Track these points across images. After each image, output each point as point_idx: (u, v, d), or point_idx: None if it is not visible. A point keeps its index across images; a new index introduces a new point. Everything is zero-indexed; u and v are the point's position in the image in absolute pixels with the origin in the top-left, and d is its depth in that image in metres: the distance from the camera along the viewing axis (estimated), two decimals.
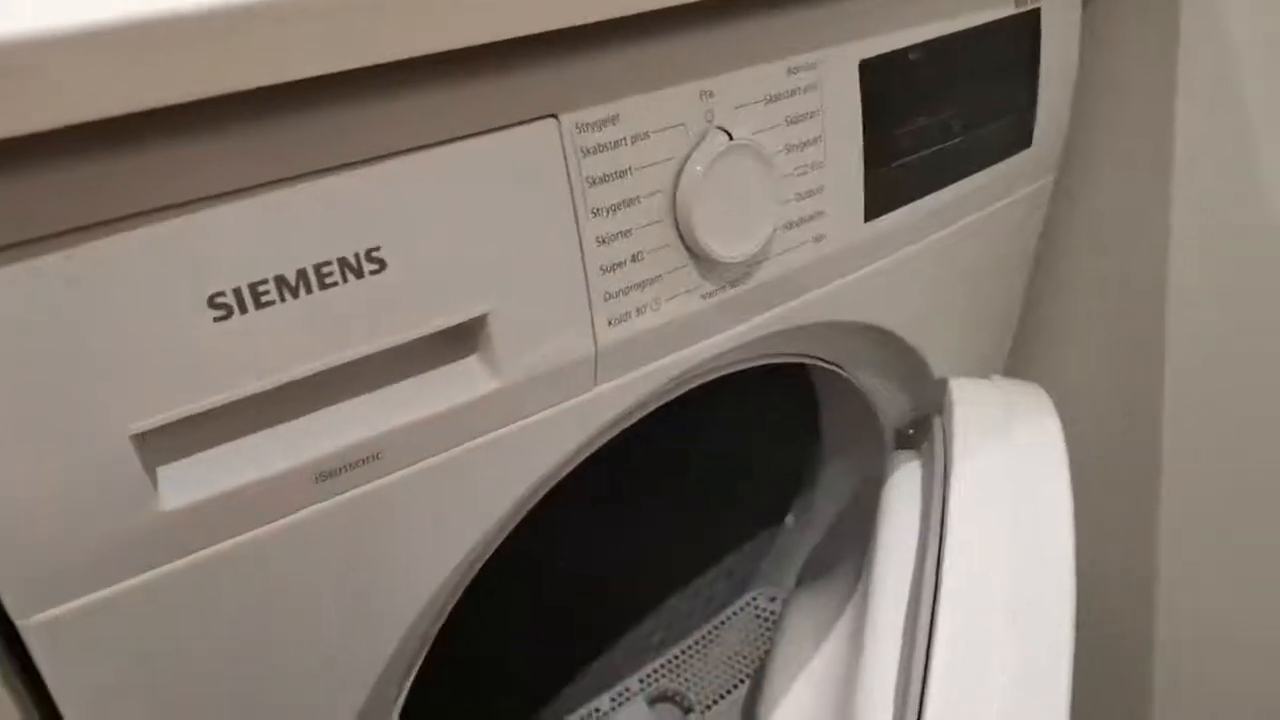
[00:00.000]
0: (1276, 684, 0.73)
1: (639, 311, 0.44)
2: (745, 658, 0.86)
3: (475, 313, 0.38)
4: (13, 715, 0.34)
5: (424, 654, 0.47)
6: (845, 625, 0.54)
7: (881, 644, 0.46)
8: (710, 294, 0.46)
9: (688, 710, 0.82)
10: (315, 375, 0.35)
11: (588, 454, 0.47)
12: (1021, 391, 0.55)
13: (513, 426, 0.42)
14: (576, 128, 0.39)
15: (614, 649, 0.82)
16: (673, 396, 0.51)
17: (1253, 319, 0.64)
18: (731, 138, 0.43)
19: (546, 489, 0.46)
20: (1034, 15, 0.58)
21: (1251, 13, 0.57)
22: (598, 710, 0.80)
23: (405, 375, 0.39)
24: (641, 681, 0.83)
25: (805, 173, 0.48)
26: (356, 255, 0.35)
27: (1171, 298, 0.67)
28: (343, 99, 0.33)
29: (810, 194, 0.48)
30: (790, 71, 0.46)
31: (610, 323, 0.43)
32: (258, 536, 0.37)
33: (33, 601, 0.33)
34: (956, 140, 0.56)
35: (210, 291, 0.32)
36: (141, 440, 0.33)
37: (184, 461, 0.35)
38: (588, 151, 0.40)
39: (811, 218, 0.49)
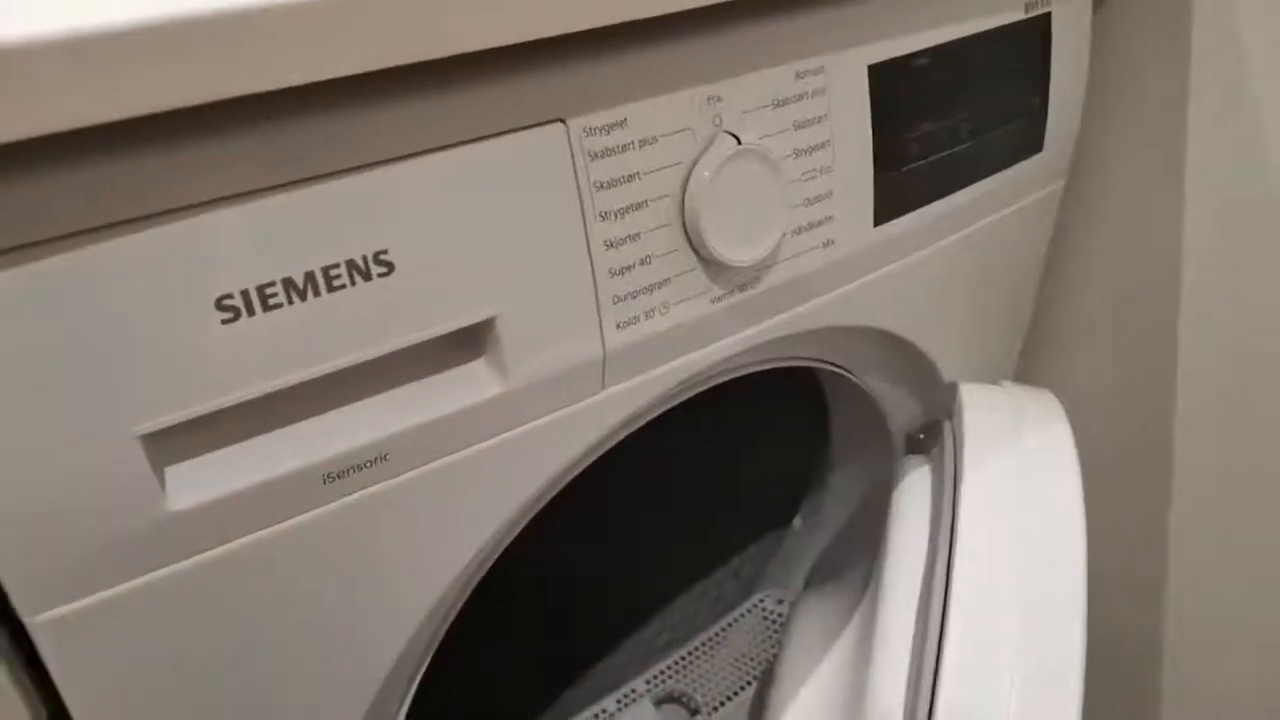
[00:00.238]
0: None
1: (647, 315, 0.44)
2: (752, 659, 0.86)
3: (483, 316, 0.39)
4: (21, 713, 0.35)
5: (431, 655, 0.47)
6: (854, 630, 0.54)
7: (891, 650, 0.46)
8: (719, 298, 0.46)
9: (694, 712, 0.82)
10: (323, 377, 0.35)
11: (596, 456, 0.47)
12: (1032, 397, 0.55)
13: (520, 429, 0.42)
14: (584, 132, 0.39)
15: (620, 650, 0.82)
16: (681, 400, 0.51)
17: (1264, 323, 0.64)
18: (739, 142, 0.43)
19: (554, 492, 0.46)
20: (1044, 19, 0.58)
21: (1265, 16, 0.57)
22: (604, 711, 0.80)
23: (413, 378, 0.39)
24: (648, 683, 0.83)
25: (814, 177, 0.48)
26: (364, 258, 0.35)
27: (1183, 303, 0.67)
28: (351, 103, 0.33)
29: (819, 199, 0.48)
30: (798, 76, 0.46)
31: (618, 326, 0.43)
32: (265, 537, 0.37)
33: (41, 599, 0.33)
34: (966, 145, 0.56)
35: (218, 294, 0.32)
36: (150, 441, 0.33)
37: (192, 462, 0.35)
38: (596, 155, 0.40)
39: (820, 222, 0.49)
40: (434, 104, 0.35)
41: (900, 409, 0.69)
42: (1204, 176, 0.63)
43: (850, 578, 0.63)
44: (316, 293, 0.34)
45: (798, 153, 0.46)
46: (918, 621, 0.46)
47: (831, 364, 0.62)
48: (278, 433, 0.37)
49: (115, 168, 0.30)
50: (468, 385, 0.40)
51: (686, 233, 0.44)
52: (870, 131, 0.50)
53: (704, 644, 0.86)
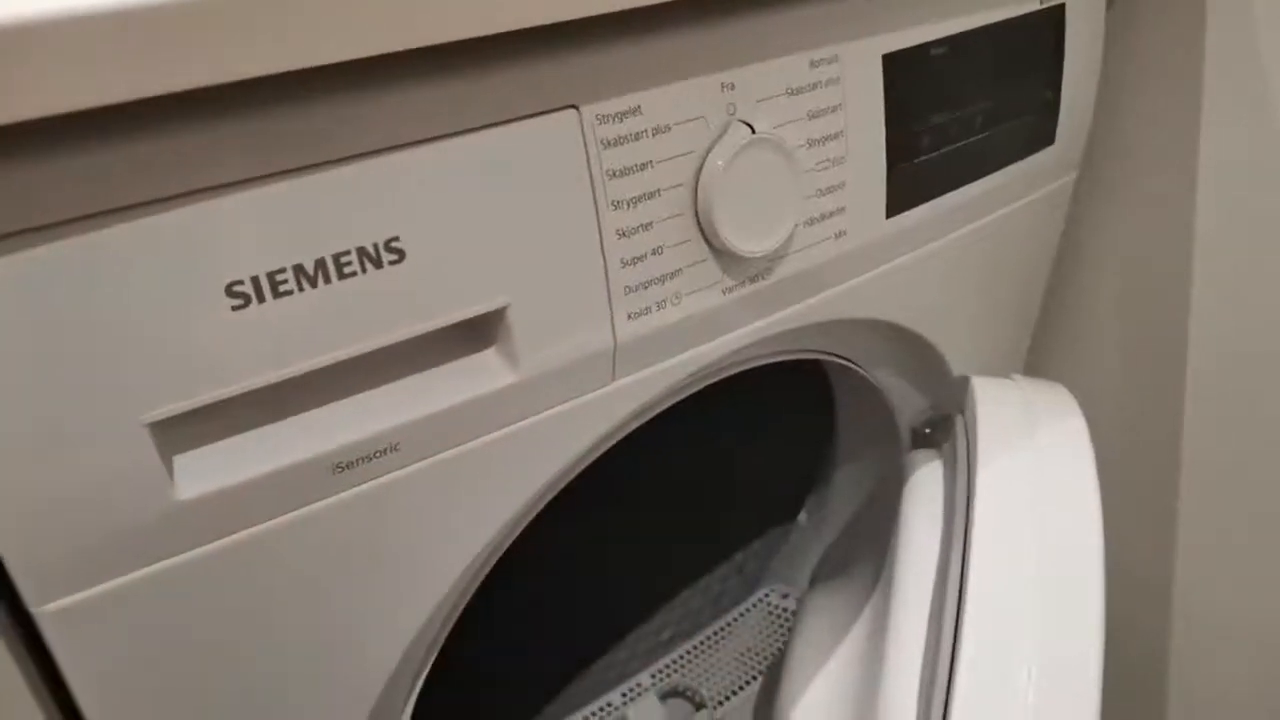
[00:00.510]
0: None
1: (659, 306, 0.43)
2: (757, 654, 0.86)
3: (494, 305, 0.38)
4: (29, 703, 0.34)
5: (438, 648, 0.47)
6: (863, 626, 0.53)
7: (905, 641, 0.45)
8: (730, 289, 0.46)
9: (699, 706, 0.82)
10: (333, 366, 0.35)
11: (605, 449, 0.47)
12: (1046, 391, 0.54)
13: (530, 420, 0.42)
14: (597, 119, 0.39)
15: (625, 644, 0.82)
16: (690, 392, 0.50)
17: (1275, 321, 0.63)
18: (753, 131, 0.43)
19: (563, 483, 0.46)
20: (1058, 10, 0.57)
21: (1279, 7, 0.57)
22: (609, 705, 0.80)
23: (423, 367, 0.39)
24: (653, 677, 0.83)
25: (827, 168, 0.47)
26: (375, 245, 0.34)
27: (1194, 298, 0.67)
28: (362, 87, 0.33)
29: (832, 189, 0.48)
30: (813, 64, 0.45)
31: (630, 317, 0.42)
32: (274, 527, 0.37)
33: (47, 589, 0.33)
34: (979, 137, 0.55)
35: (228, 280, 0.32)
36: (157, 429, 0.32)
37: (200, 451, 0.35)
38: (608, 143, 0.39)
39: (833, 213, 0.49)
40: (446, 89, 0.35)
41: (908, 403, 0.68)
42: (1217, 172, 0.63)
43: (858, 573, 0.63)
44: (327, 280, 0.34)
45: (811, 143, 0.46)
46: (932, 617, 0.46)
47: (840, 357, 0.61)
48: (287, 422, 0.36)
49: (124, 151, 0.29)
50: (478, 375, 0.40)
51: (699, 222, 0.43)
52: (884, 122, 0.49)
53: (709, 638, 0.86)
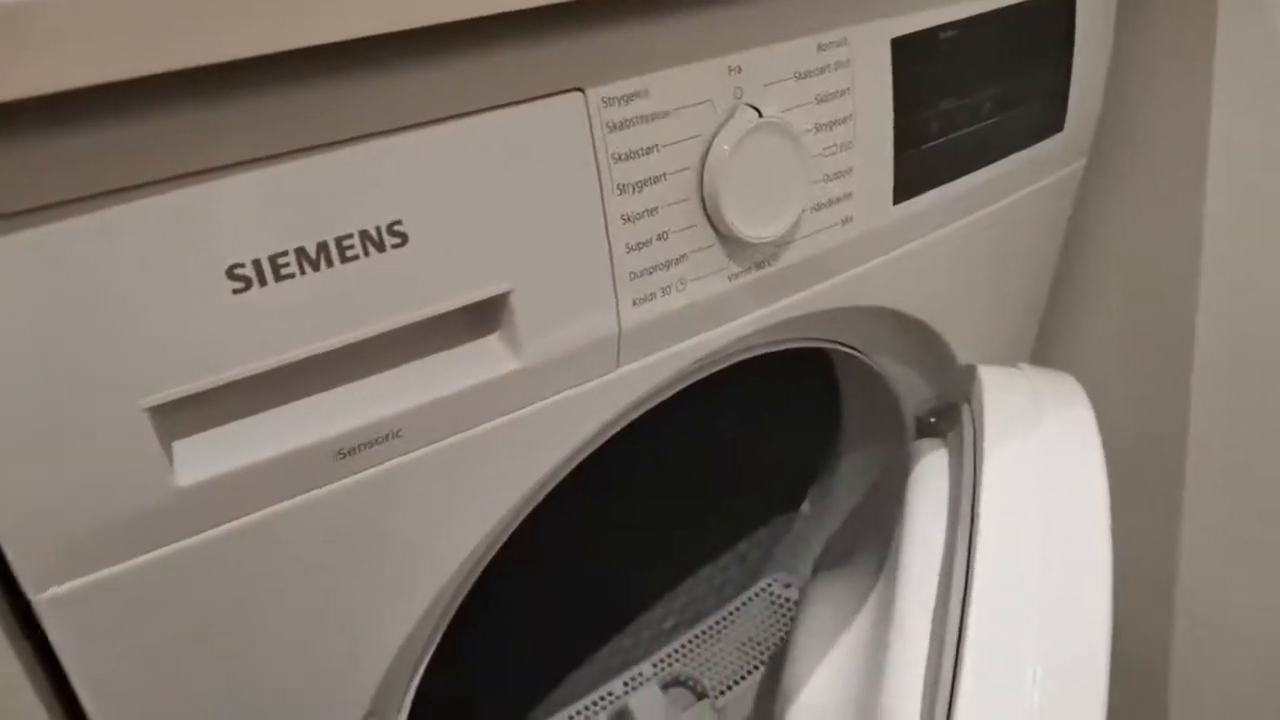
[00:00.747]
0: None
1: (664, 292, 0.43)
2: (760, 644, 0.85)
3: (497, 290, 0.38)
4: (26, 690, 0.34)
5: (440, 634, 0.47)
6: (867, 616, 0.53)
7: (908, 640, 0.45)
8: (736, 275, 0.45)
9: (701, 695, 0.81)
10: (335, 351, 0.35)
11: (608, 436, 0.47)
12: (1053, 380, 0.54)
13: (534, 407, 0.42)
14: (603, 102, 0.38)
15: (627, 633, 0.82)
16: (694, 380, 0.50)
17: None
18: (761, 115, 0.42)
19: (567, 471, 0.46)
20: None
21: None
22: (611, 694, 0.80)
23: (426, 353, 0.39)
24: (655, 666, 0.83)
25: (834, 153, 0.47)
26: (378, 228, 0.34)
27: (1203, 287, 0.66)
28: (365, 68, 0.32)
29: (839, 175, 0.47)
30: (820, 48, 0.45)
31: (634, 303, 0.42)
32: (275, 513, 0.36)
33: (46, 576, 0.33)
34: (987, 123, 0.55)
35: (229, 263, 0.31)
36: (157, 414, 0.32)
37: (200, 436, 0.34)
38: (614, 126, 0.39)
39: (840, 199, 0.48)
40: (449, 70, 0.34)
41: (913, 391, 0.68)
42: (1227, 160, 0.62)
43: (861, 563, 0.63)
44: (330, 263, 0.33)
45: (819, 127, 0.46)
46: (937, 608, 0.45)
47: (845, 345, 0.61)
48: (288, 407, 0.36)
49: (123, 131, 0.29)
50: (482, 361, 0.39)
51: (705, 208, 0.43)
52: (892, 107, 0.49)
53: (711, 628, 0.86)
